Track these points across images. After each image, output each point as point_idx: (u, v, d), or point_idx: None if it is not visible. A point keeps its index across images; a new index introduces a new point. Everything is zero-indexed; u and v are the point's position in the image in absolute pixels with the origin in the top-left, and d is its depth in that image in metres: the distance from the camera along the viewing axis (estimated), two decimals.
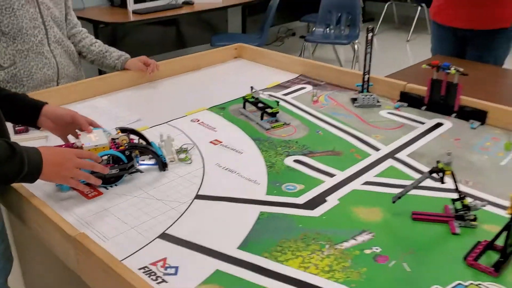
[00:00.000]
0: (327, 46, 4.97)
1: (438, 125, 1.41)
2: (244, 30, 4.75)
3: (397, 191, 1.03)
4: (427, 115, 1.47)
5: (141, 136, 1.21)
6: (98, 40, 1.81)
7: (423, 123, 1.42)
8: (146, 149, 1.16)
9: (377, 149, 1.27)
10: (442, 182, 0.96)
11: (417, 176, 1.13)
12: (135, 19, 3.53)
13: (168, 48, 4.07)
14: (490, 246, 0.87)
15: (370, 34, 1.50)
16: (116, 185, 1.10)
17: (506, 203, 1.02)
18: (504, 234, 0.85)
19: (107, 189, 1.09)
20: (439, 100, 1.47)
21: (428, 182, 1.08)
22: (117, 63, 1.72)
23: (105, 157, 1.08)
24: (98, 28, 3.59)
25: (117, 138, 1.13)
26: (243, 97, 1.52)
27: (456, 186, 0.94)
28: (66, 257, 0.91)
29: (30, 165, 0.94)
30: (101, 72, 1.72)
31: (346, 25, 4.09)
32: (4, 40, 1.54)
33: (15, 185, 1.02)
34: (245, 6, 4.60)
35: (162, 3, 3.82)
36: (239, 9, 4.74)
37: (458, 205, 0.96)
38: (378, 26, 6.12)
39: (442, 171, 0.94)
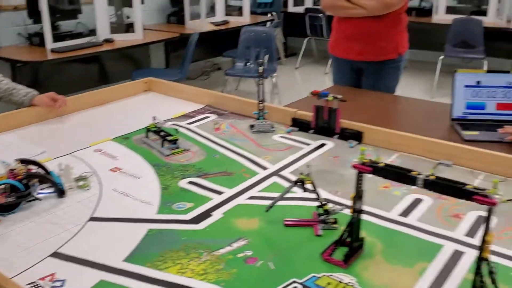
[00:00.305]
0: (250, 80, 5.20)
1: (322, 145, 1.59)
2: (167, 65, 4.88)
3: (279, 203, 1.17)
4: (314, 137, 1.64)
5: (41, 166, 1.28)
6: (5, 78, 1.85)
7: (309, 144, 1.59)
8: (43, 177, 1.23)
9: (264, 168, 1.42)
10: (304, 191, 1.11)
11: (296, 189, 1.28)
12: (54, 57, 3.56)
13: (91, 85, 4.10)
14: (342, 242, 1.01)
15: (260, 68, 1.67)
16: (14, 212, 1.16)
17: (368, 208, 1.19)
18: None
19: (5, 216, 1.15)
20: (323, 124, 1.65)
21: (301, 193, 1.23)
22: (24, 99, 1.78)
23: (2, 186, 1.14)
24: (16, 68, 3.58)
25: (15, 169, 1.19)
26: (146, 127, 1.62)
27: (317, 194, 1.10)
28: None
29: None
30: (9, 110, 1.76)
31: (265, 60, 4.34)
32: None
33: None
34: (167, 42, 4.75)
35: (82, 41, 3.88)
36: (162, 45, 4.88)
37: (321, 211, 1.11)
38: (299, 60, 6.47)
39: (303, 181, 1.09)
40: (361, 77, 2.58)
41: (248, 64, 4.40)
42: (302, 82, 5.83)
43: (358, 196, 0.95)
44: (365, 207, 1.18)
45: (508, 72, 1.91)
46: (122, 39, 4.15)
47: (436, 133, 1.71)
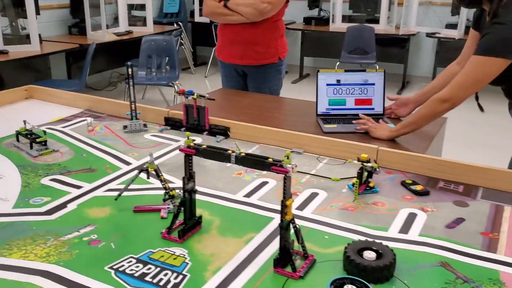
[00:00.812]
0: (154, 88, 5.25)
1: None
2: (69, 76, 4.81)
3: (134, 193, 1.26)
4: (185, 135, 1.75)
5: None
6: None
7: (178, 141, 1.70)
8: None
9: (128, 164, 1.50)
10: (147, 178, 1.21)
11: (152, 180, 1.38)
12: None
13: None
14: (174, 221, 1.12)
15: (129, 70, 1.76)
16: None
17: (218, 192, 1.31)
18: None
19: None
20: (193, 121, 1.77)
21: (156, 184, 1.34)
22: None
23: None
24: None
25: None
26: (16, 131, 1.65)
27: (161, 180, 1.20)
28: None
29: None
30: None
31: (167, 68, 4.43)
32: None
33: None
34: (68, 52, 4.69)
35: None
36: (63, 56, 4.81)
37: (167, 196, 1.22)
38: (208, 68, 6.62)
39: (147, 168, 1.19)
40: (246, 80, 2.74)
41: (151, 72, 4.45)
42: (212, 89, 5.96)
43: (188, 177, 1.07)
44: (215, 192, 1.33)
45: (364, 70, 2.15)
46: (18, 51, 4.05)
47: (301, 127, 1.90)
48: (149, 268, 0.98)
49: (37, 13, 4.22)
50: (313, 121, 2.12)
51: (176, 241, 1.08)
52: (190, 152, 1.04)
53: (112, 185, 1.36)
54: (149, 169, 1.19)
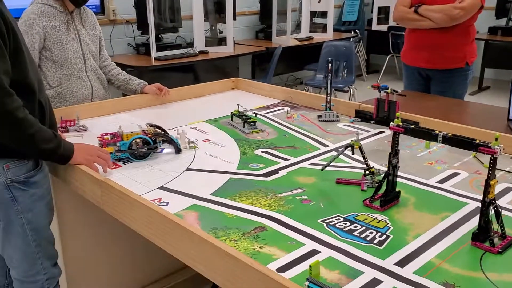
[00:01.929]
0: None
1: (380, 132, 1.83)
2: (253, 77, 5.29)
3: (335, 169, 1.45)
4: (374, 127, 1.89)
5: (163, 130, 1.70)
6: (123, 71, 2.31)
7: (369, 131, 1.84)
8: (166, 137, 1.64)
9: (326, 146, 1.69)
10: (352, 153, 1.37)
11: (350, 161, 1.54)
12: (157, 64, 4.09)
13: None
14: (379, 190, 1.26)
15: (329, 65, 1.96)
16: (145, 159, 1.57)
17: (411, 176, 1.42)
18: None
19: (125, 164, 1.53)
20: (384, 115, 1.90)
21: (354, 163, 1.50)
22: (137, 88, 2.21)
23: (139, 140, 1.55)
24: (126, 72, 4.15)
25: (146, 130, 1.62)
26: (232, 112, 1.97)
27: (364, 157, 1.36)
28: (93, 196, 1.35)
29: (64, 149, 1.40)
30: (124, 96, 2.21)
31: (344, 72, 4.60)
32: (54, 67, 2.05)
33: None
34: (254, 56, 5.17)
35: (180, 51, 4.40)
36: (250, 58, 5.31)
37: (368, 172, 1.37)
38: (380, 76, 6.63)
39: (352, 145, 1.36)
40: (429, 84, 2.77)
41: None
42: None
43: (394, 153, 1.20)
44: (408, 176, 1.44)
45: None
46: (215, 51, 4.62)
47: (491, 129, 1.89)
48: (356, 226, 1.14)
49: (234, 18, 4.76)
50: (503, 125, 2.08)
51: (377, 209, 1.22)
52: (399, 131, 1.17)
53: (314, 161, 1.56)
54: (355, 146, 1.35)
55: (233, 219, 1.18)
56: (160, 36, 4.48)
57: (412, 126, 1.16)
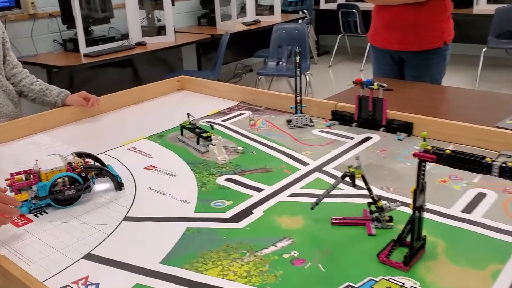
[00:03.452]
0: (282, 79, 5.11)
1: (367, 139, 1.48)
2: (199, 67, 4.85)
3: (325, 200, 1.08)
4: (357, 131, 1.54)
5: (97, 159, 1.28)
6: (39, 79, 1.84)
7: (352, 138, 1.49)
8: (102, 169, 1.21)
9: (305, 164, 1.32)
10: (354, 186, 1.01)
11: (340, 185, 1.18)
12: (88, 61, 3.57)
13: (125, 87, 4.11)
14: (400, 242, 0.91)
15: (297, 57, 1.58)
16: (74, 205, 1.15)
17: (426, 205, 1.08)
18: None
19: (38, 217, 1.10)
20: (368, 116, 1.55)
21: (349, 190, 1.13)
22: (57, 99, 1.75)
23: (60, 180, 1.12)
24: (52, 73, 3.61)
25: (73, 162, 1.19)
26: (181, 124, 1.56)
27: (368, 189, 0.99)
28: None
29: None
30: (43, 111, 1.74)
31: None
32: None
33: None
34: (198, 44, 4.72)
35: (114, 45, 3.89)
36: (194, 47, 4.85)
37: (374, 207, 1.01)
38: (332, 58, 6.35)
39: (353, 174, 0.99)
40: (403, 68, 2.45)
41: (280, 63, 4.31)
42: (336, 80, 5.70)
43: (420, 189, 0.85)
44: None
45: None
46: (154, 42, 4.13)
47: (491, 123, 1.58)
48: None
49: (173, 4, 4.28)
50: (501, 117, 1.78)
51: (400, 268, 0.87)
52: (429, 159, 0.81)
53: (295, 189, 1.19)
54: (355, 175, 0.99)
55: None
56: (89, 29, 3.94)
57: (448, 151, 0.81)
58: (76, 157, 1.23)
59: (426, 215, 1.03)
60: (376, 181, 1.18)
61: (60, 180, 1.12)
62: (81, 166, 1.17)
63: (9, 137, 1.57)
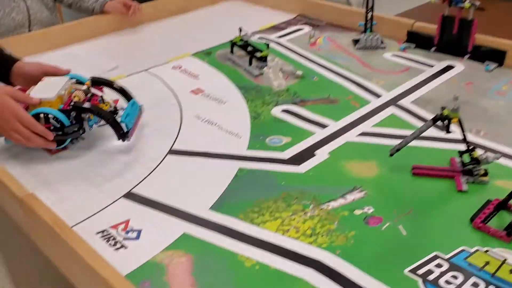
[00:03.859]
0: None
1: (448, 68, 1.26)
2: None
3: (397, 142, 0.90)
4: (437, 57, 1.31)
5: (121, 91, 1.01)
6: None
7: (431, 66, 1.27)
8: (99, 114, 0.92)
9: (377, 96, 1.13)
10: (448, 132, 0.82)
11: (420, 125, 0.99)
12: None
13: None
14: (502, 205, 0.74)
15: None
16: (62, 147, 0.93)
17: None
18: None
19: (73, 143, 0.98)
20: (451, 39, 1.31)
21: (432, 132, 0.95)
22: (95, 5, 1.57)
23: (41, 116, 0.88)
24: None
25: (74, 93, 0.94)
26: (231, 41, 1.37)
27: (464, 136, 0.81)
28: (17, 218, 0.81)
29: None
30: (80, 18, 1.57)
31: None
32: None
33: None
34: None
35: None
36: None
37: (466, 158, 0.84)
38: None
39: (448, 118, 0.80)
40: None
41: None
42: None
43: None
44: None
45: None
46: None
47: None
48: (476, 285, 0.63)
49: None
50: None
51: (501, 238, 0.71)
52: None
53: (366, 127, 1.01)
54: (451, 119, 0.80)
55: (254, 272, 0.67)
56: None
57: None
58: (88, 87, 0.97)
59: None
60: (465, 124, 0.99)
61: (41, 116, 0.88)
62: (72, 103, 0.90)
63: (42, 47, 1.43)
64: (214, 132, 1.01)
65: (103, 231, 0.75)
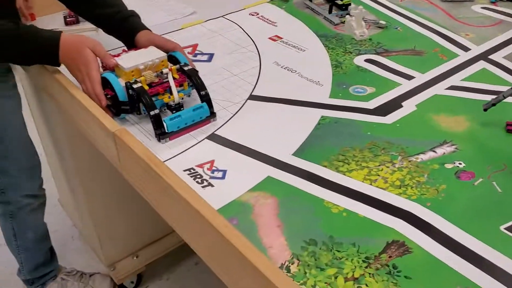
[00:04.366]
0: None
1: None
2: None
3: (488, 98, 0.85)
4: None
5: (192, 78, 0.87)
6: None
7: None
8: (138, 99, 0.83)
9: (466, 49, 1.07)
10: None
11: None
12: None
13: None
14: None
15: None
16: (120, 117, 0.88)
17: None
18: None
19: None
20: None
21: None
22: None
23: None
24: None
25: (146, 70, 0.86)
26: None
27: None
28: (109, 153, 0.84)
29: (44, 43, 0.86)
30: None
31: None
32: None
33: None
34: None
35: None
36: None
37: None
38: None
39: None
40: None
41: None
42: None
43: None
44: None
45: None
46: None
47: None
48: None
49: None
50: None
51: None
52: None
53: (455, 81, 0.96)
54: None
55: (342, 218, 0.66)
56: None
57: None
58: (165, 63, 0.88)
59: None
60: None
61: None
62: (148, 80, 0.84)
63: None
64: (294, 79, 0.99)
65: (190, 169, 0.76)
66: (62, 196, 1.63)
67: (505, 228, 0.63)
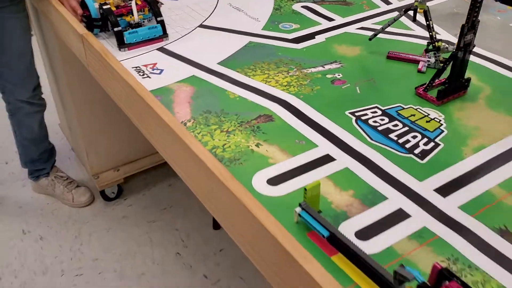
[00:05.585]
0: None
1: None
2: None
3: (390, 37, 1.08)
4: None
5: (153, 8, 1.11)
6: None
7: None
8: (102, 18, 1.09)
9: (388, 3, 1.29)
10: (414, 20, 0.99)
11: (414, 26, 1.15)
12: None
13: None
14: (439, 76, 0.91)
15: None
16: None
17: (494, 56, 1.04)
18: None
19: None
20: None
21: (419, 31, 1.11)
22: None
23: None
24: None
25: None
26: None
27: (428, 25, 0.97)
28: (79, 52, 1.11)
29: None
30: None
31: None
32: None
33: None
34: None
35: None
36: None
37: (431, 46, 1.00)
38: None
39: (415, 8, 0.96)
40: None
41: None
42: None
43: (470, 26, 0.82)
44: (489, 54, 1.05)
45: None
46: None
47: None
48: (396, 125, 0.83)
49: None
50: None
51: (432, 102, 0.89)
52: None
53: (367, 23, 1.19)
54: (418, 9, 0.96)
55: (234, 101, 0.91)
56: None
57: None
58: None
59: (487, 64, 1.01)
60: (454, 30, 1.14)
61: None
62: (105, 9, 1.08)
63: None
64: (240, 16, 1.23)
65: (136, 67, 1.02)
66: (61, 121, 1.92)
67: (348, 112, 0.87)
